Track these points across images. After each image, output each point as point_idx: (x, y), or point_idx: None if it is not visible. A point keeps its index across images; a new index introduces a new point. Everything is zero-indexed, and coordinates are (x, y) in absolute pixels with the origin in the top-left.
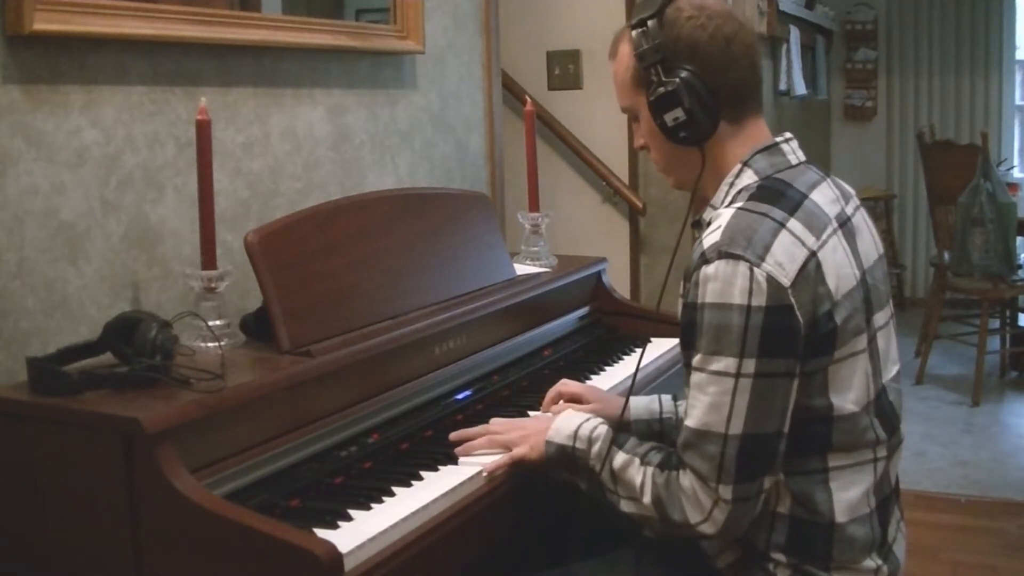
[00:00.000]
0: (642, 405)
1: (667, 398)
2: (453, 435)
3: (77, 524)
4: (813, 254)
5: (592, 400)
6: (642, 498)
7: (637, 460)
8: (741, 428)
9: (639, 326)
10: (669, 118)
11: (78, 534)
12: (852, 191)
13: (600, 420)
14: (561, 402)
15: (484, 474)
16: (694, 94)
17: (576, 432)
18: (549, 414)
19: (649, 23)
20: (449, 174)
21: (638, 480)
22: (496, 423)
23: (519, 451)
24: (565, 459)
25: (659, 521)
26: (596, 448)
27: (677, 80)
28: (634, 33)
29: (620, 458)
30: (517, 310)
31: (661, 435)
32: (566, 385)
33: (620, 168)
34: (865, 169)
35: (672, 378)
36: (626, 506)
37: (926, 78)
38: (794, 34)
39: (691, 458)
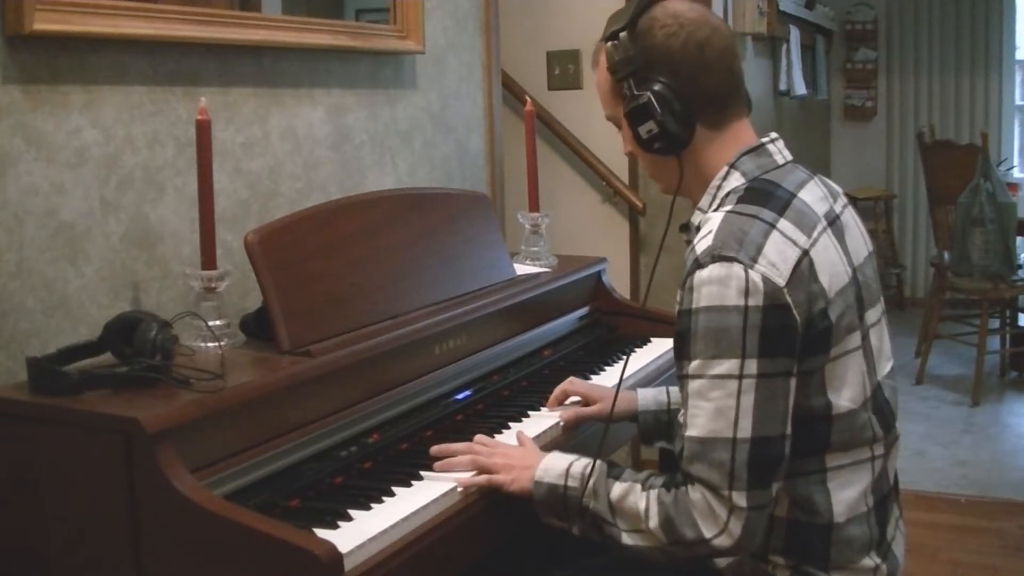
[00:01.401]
0: (650, 396)
1: (675, 389)
2: (434, 449)
3: (77, 524)
4: (805, 253)
5: (598, 399)
6: (647, 524)
7: (638, 487)
8: (749, 431)
9: (639, 326)
10: (643, 131)
11: (78, 534)
12: (839, 189)
13: (590, 459)
14: (569, 400)
15: (458, 490)
16: (666, 106)
17: (568, 471)
18: (534, 447)
19: (621, 35)
20: (449, 174)
21: (641, 506)
22: (480, 441)
23: (499, 478)
24: (555, 500)
25: (669, 545)
26: (591, 484)
27: (648, 93)
28: (607, 46)
29: (618, 488)
30: (517, 310)
31: (668, 426)
32: (572, 384)
33: (620, 168)
34: (865, 169)
35: (671, 380)
36: (628, 539)
37: (926, 78)
38: (794, 34)
39: (699, 469)
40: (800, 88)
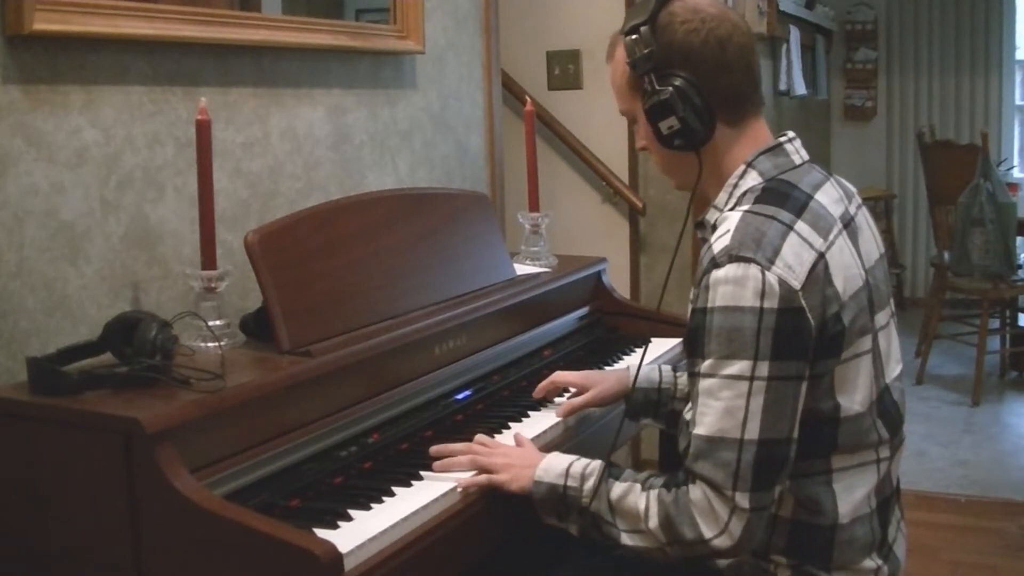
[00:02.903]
0: (642, 374)
1: (667, 368)
2: (434, 449)
3: (77, 524)
4: (821, 256)
5: (589, 386)
6: (647, 523)
7: (637, 487)
8: (757, 433)
9: (639, 326)
10: (664, 126)
11: (78, 534)
12: (854, 190)
13: (589, 459)
14: (566, 395)
15: (458, 490)
16: (688, 102)
17: (568, 470)
18: (533, 447)
19: (642, 29)
20: (449, 174)
21: (641, 506)
22: (480, 441)
23: (499, 478)
24: (555, 499)
25: (668, 544)
26: (590, 484)
27: (671, 89)
28: (627, 40)
29: (618, 488)
30: (517, 310)
31: (658, 404)
32: (560, 376)
33: (620, 168)
34: (865, 169)
35: None
36: (627, 539)
37: (926, 78)
38: (794, 34)
39: (703, 468)
40: (800, 88)
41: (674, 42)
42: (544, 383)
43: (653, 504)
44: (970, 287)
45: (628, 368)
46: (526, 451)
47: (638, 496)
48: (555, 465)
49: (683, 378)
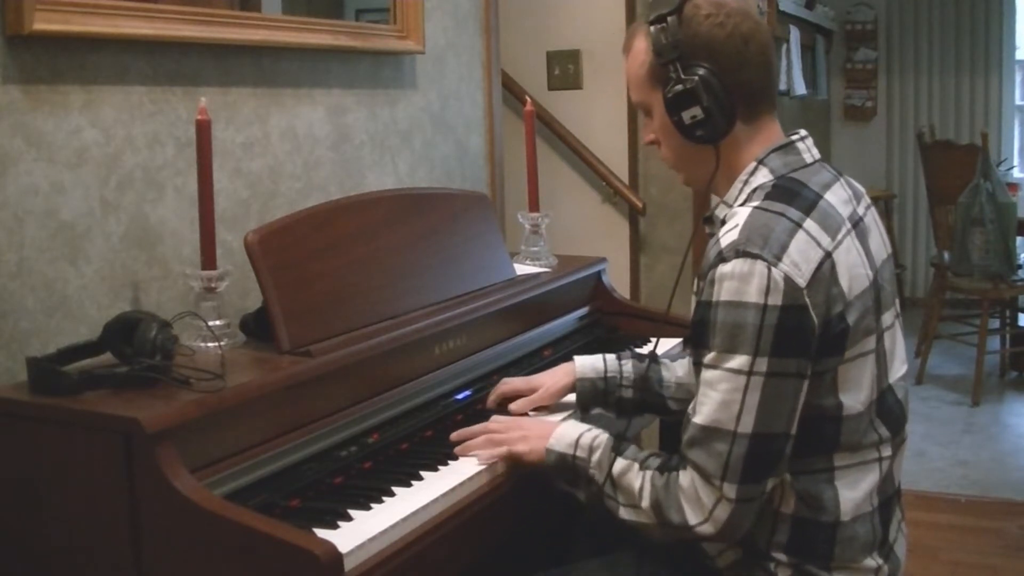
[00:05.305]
0: (588, 364)
1: (611, 357)
2: (454, 435)
3: (77, 524)
4: (828, 255)
5: (537, 387)
6: (640, 503)
7: (636, 465)
8: (751, 427)
9: (639, 326)
10: (686, 116)
11: (78, 534)
12: (863, 190)
13: (601, 430)
14: (517, 402)
15: (479, 465)
16: (712, 92)
17: (577, 441)
18: (549, 418)
19: (668, 19)
20: (449, 174)
21: (637, 484)
22: (496, 420)
23: (517, 448)
24: (565, 468)
25: (658, 525)
26: (596, 456)
27: (696, 78)
28: (652, 29)
29: (620, 464)
30: (517, 310)
31: (605, 393)
32: (506, 384)
33: (620, 168)
34: (865, 169)
35: None
36: (625, 513)
37: (926, 78)
38: (794, 34)
39: (696, 455)
40: (800, 88)
41: (699, 34)
42: (493, 395)
43: (647, 485)
44: (970, 287)
45: (575, 358)
46: (542, 422)
47: (635, 475)
48: (566, 435)
49: (628, 365)
